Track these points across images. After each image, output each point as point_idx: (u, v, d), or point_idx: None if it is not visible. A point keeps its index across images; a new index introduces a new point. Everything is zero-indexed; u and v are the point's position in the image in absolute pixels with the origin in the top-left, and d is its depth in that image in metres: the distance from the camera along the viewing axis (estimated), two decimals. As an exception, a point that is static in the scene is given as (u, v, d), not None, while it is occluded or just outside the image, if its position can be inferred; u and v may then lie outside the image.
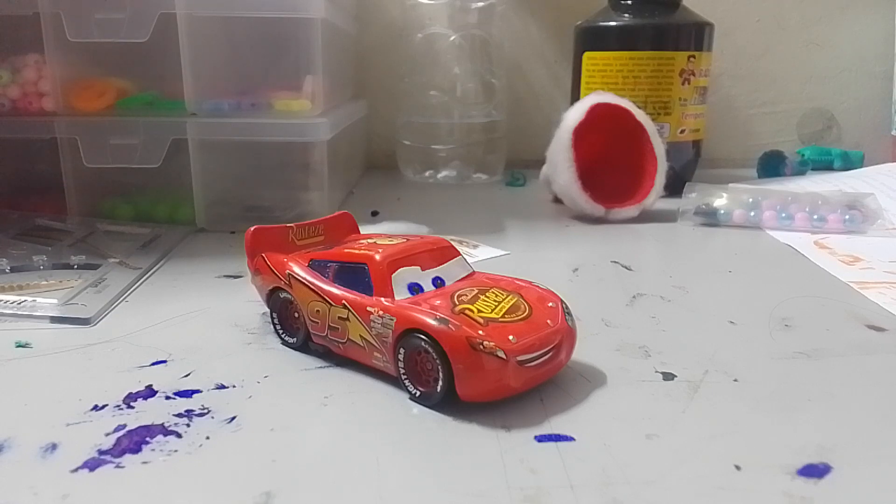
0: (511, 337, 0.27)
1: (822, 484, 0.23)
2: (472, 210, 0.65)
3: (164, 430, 0.26)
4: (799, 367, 0.32)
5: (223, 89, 0.55)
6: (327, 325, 0.31)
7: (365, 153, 0.87)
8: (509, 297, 0.30)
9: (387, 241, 0.33)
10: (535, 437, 0.26)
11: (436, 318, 0.27)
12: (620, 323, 0.37)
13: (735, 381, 0.30)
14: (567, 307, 0.31)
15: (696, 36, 0.67)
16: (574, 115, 0.58)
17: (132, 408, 0.28)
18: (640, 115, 0.59)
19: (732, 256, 0.50)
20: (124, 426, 0.26)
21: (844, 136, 0.90)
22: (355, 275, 0.31)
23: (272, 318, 0.34)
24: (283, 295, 0.34)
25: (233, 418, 0.27)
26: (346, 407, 0.28)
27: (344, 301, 0.30)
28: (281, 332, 0.34)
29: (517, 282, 0.33)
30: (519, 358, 0.27)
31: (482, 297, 0.30)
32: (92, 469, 0.24)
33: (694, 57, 0.67)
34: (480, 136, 0.78)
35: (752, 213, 0.57)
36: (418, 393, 0.28)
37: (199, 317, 0.38)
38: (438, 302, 0.29)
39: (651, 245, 0.53)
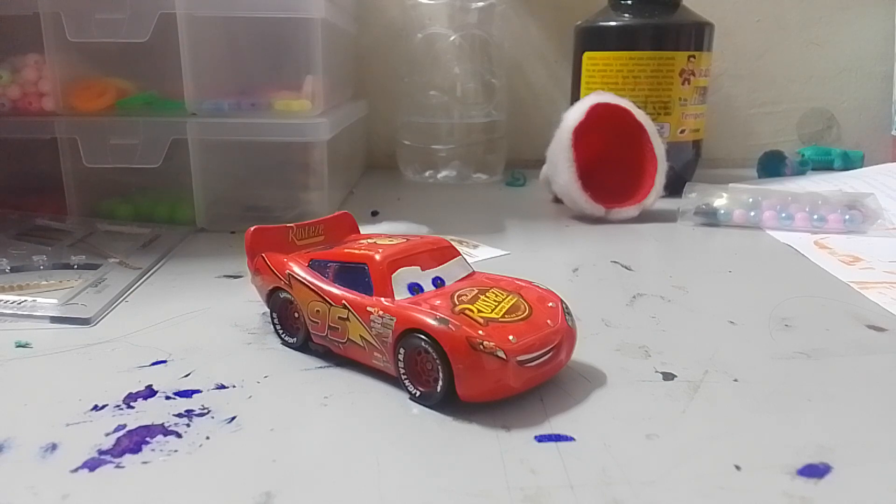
0: (511, 337, 0.27)
1: (822, 484, 0.23)
2: (472, 210, 0.65)
3: (164, 430, 0.26)
4: (799, 367, 0.32)
5: (223, 89, 0.55)
6: (327, 325, 0.31)
7: (365, 153, 0.87)
8: (509, 297, 0.30)
9: (387, 241, 0.33)
10: (535, 437, 0.26)
11: (436, 318, 0.27)
12: (620, 323, 0.37)
13: (735, 381, 0.30)
14: (567, 307, 0.31)
15: (696, 36, 0.67)
16: (574, 115, 0.58)
17: (132, 408, 0.28)
18: (640, 115, 0.59)
19: (732, 256, 0.50)
20: (124, 426, 0.26)
21: (844, 136, 0.90)
22: (355, 275, 0.31)
23: (272, 318, 0.34)
24: (283, 295, 0.34)
25: (233, 418, 0.27)
26: (346, 407, 0.28)
27: (344, 301, 0.30)
28: (281, 332, 0.34)
29: (517, 282, 0.33)
30: (519, 358, 0.27)
31: (482, 297, 0.30)
32: (92, 469, 0.24)
33: (694, 57, 0.67)
34: (480, 136, 0.78)
35: (752, 213, 0.57)
36: (418, 393, 0.28)
37: (199, 317, 0.38)
38: (438, 302, 0.29)
39: (651, 245, 0.53)
